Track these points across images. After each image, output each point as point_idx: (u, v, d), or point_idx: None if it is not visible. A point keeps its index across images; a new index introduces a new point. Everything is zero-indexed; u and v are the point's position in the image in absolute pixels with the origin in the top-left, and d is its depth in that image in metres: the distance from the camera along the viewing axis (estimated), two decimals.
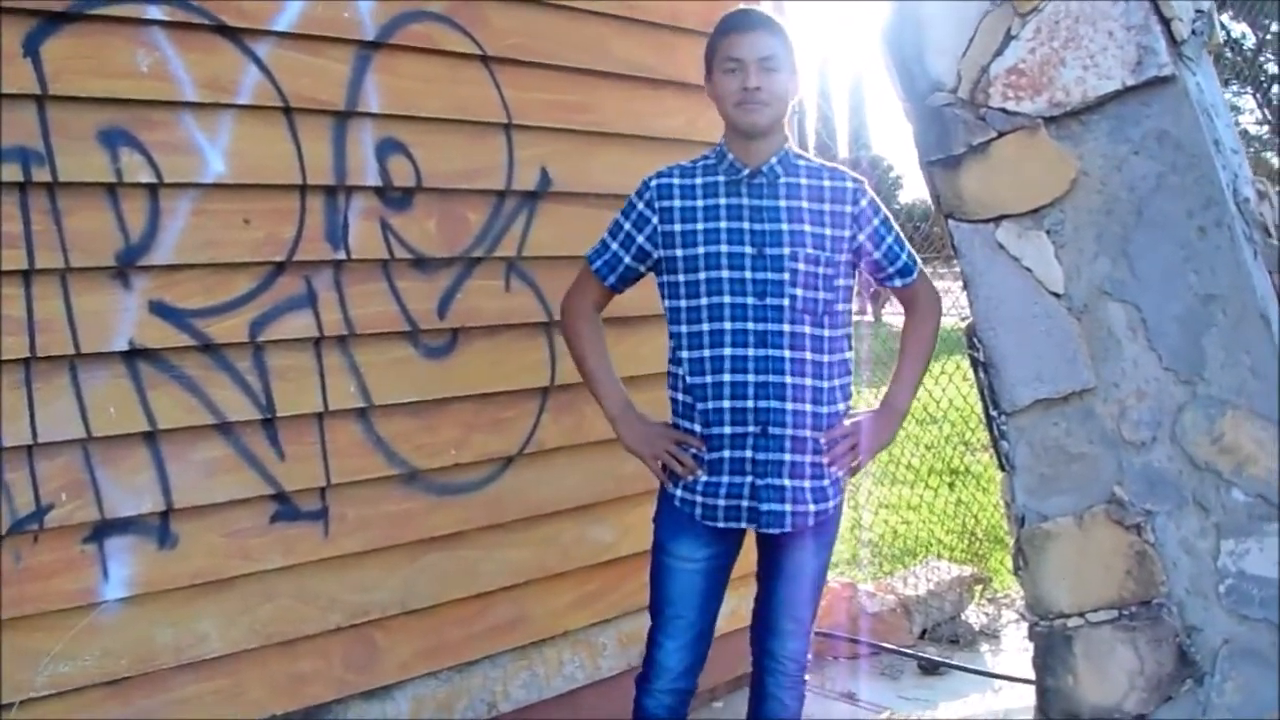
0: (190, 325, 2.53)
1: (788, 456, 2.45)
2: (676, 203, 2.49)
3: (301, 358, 2.72)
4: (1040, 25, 2.50)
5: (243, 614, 2.66)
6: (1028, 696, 2.97)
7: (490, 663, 3.16)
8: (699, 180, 2.51)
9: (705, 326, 2.46)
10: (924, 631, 4.39)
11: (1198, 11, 2.51)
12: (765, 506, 2.46)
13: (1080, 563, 2.57)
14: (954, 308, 3.26)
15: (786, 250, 2.43)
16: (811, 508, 2.48)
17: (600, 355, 2.63)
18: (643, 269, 2.58)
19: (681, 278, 2.48)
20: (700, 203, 2.48)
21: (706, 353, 2.46)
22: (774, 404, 2.43)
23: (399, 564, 2.93)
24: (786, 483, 2.46)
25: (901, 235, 2.60)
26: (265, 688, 2.71)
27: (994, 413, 2.66)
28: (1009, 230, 2.59)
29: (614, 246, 2.57)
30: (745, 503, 2.46)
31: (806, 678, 2.67)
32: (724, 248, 2.44)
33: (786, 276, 2.43)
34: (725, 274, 2.44)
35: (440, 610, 3.02)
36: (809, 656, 2.67)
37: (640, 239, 2.53)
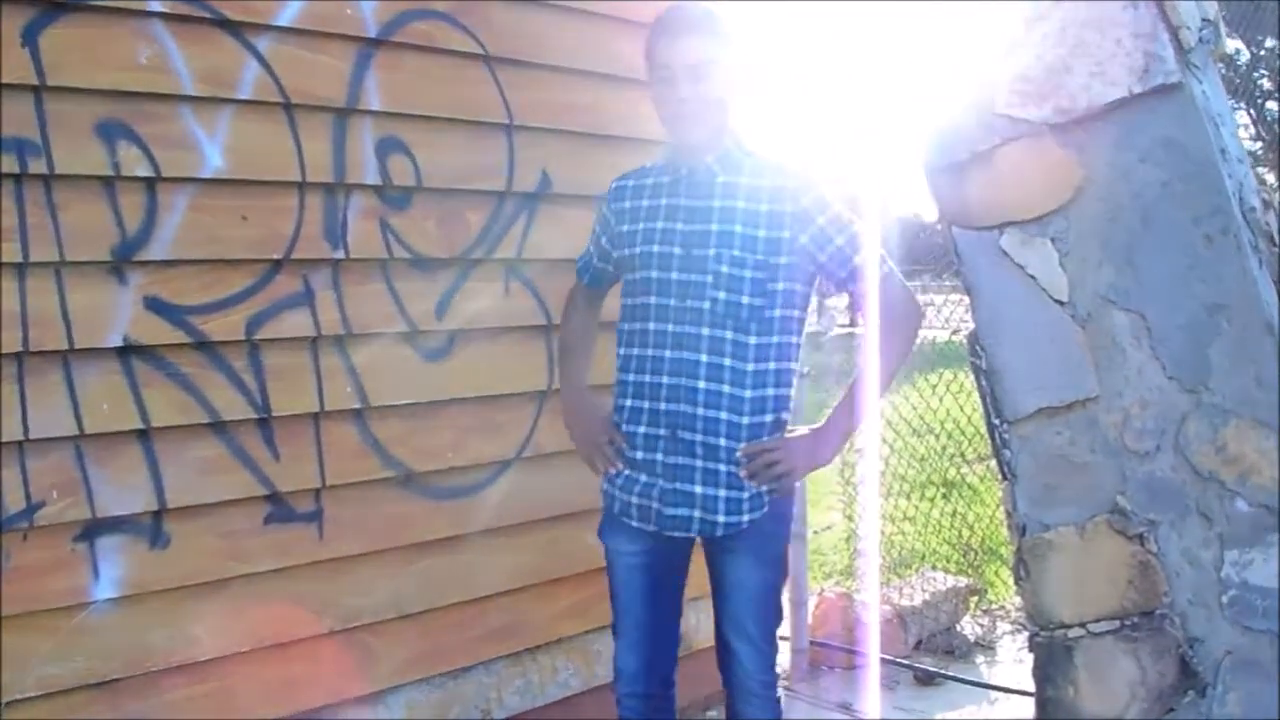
0: (186, 322, 2.50)
1: (699, 463, 2.39)
2: (627, 204, 2.51)
3: (298, 357, 2.69)
4: (1048, 32, 2.49)
5: (235, 616, 2.63)
6: (1023, 708, 2.95)
7: (485, 669, 3.13)
8: (651, 181, 2.50)
9: (636, 325, 2.45)
10: (919, 642, 4.37)
11: (1205, 20, 2.49)
12: (669, 510, 2.42)
13: (1082, 573, 2.55)
14: (949, 321, 3.24)
15: (711, 251, 2.36)
16: (721, 519, 2.40)
17: (574, 343, 2.70)
18: (610, 269, 2.60)
19: (625, 276, 2.50)
20: (645, 203, 2.48)
21: (635, 351, 2.45)
22: (684, 408, 2.38)
23: (393, 568, 2.90)
24: (697, 489, 2.40)
25: (859, 237, 2.41)
26: (257, 691, 2.68)
27: (996, 421, 2.64)
28: (1013, 237, 2.57)
29: (590, 247, 2.64)
30: (654, 505, 2.43)
31: (779, 694, 2.58)
32: (655, 248, 2.42)
33: (709, 279, 2.35)
34: (654, 274, 2.41)
35: (435, 615, 2.99)
36: (774, 672, 2.57)
37: (604, 240, 2.58)
